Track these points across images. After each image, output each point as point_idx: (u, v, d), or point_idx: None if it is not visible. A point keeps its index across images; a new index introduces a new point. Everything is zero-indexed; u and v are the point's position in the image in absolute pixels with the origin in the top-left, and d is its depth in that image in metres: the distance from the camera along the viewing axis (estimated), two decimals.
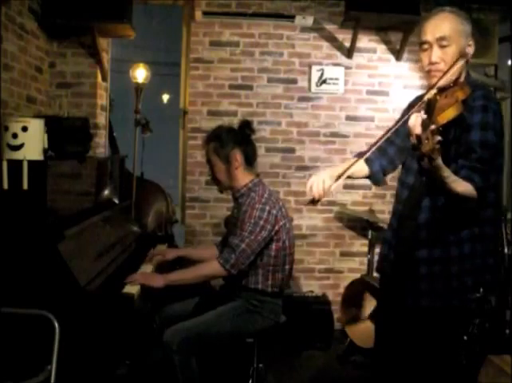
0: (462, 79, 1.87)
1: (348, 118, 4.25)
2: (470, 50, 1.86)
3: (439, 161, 1.58)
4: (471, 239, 1.85)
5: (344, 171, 1.88)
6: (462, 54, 1.79)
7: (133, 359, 2.79)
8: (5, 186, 2.23)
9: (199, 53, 4.15)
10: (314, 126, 4.24)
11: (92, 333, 2.04)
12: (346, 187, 4.22)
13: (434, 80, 1.81)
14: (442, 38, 1.82)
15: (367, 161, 2.07)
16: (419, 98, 1.93)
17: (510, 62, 4.75)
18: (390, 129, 1.85)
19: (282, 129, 4.22)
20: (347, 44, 4.17)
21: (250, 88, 4.18)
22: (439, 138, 1.48)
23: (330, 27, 4.19)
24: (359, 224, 4.23)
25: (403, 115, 1.99)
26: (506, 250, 2.76)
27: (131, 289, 2.36)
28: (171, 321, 2.49)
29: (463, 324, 1.88)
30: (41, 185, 2.27)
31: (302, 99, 4.22)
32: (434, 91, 1.75)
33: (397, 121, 1.89)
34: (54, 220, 2.27)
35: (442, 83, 1.78)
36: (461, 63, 1.80)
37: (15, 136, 2.34)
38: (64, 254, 2.12)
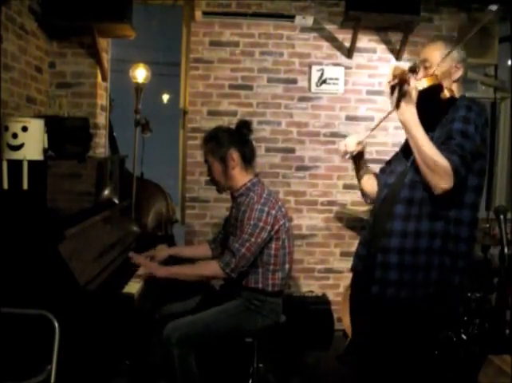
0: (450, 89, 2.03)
1: (348, 118, 4.25)
2: (457, 72, 2.04)
3: (414, 110, 1.81)
4: (444, 236, 1.91)
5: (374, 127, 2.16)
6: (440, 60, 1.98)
7: (133, 359, 2.79)
8: (5, 186, 2.23)
9: (199, 53, 4.15)
10: (314, 126, 4.25)
11: (92, 333, 2.05)
12: (346, 187, 4.23)
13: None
14: (424, 60, 2.04)
15: (376, 177, 2.26)
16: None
17: (510, 62, 4.75)
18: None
19: (282, 129, 4.23)
20: (347, 44, 4.17)
21: (250, 88, 4.19)
22: (404, 69, 1.78)
23: (330, 27, 4.19)
24: (359, 224, 4.23)
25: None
26: (506, 250, 2.75)
27: (132, 289, 2.37)
28: (171, 320, 2.49)
29: (428, 318, 1.94)
30: (41, 185, 2.27)
31: (302, 99, 4.22)
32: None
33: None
34: (54, 220, 2.27)
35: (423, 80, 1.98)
36: (442, 70, 1.98)
37: (15, 136, 2.34)
38: (64, 254, 2.13)
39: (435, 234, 1.91)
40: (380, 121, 2.18)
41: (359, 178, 2.34)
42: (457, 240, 1.93)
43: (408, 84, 1.79)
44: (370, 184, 2.28)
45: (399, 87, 1.80)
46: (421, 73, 2.03)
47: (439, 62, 1.98)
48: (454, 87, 2.03)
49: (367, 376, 2.13)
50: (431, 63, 2.02)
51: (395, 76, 1.79)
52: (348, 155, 2.20)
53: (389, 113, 2.00)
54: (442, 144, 1.85)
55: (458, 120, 1.89)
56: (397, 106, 1.83)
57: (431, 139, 1.88)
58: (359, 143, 2.20)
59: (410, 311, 1.93)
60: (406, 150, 2.07)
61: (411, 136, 1.84)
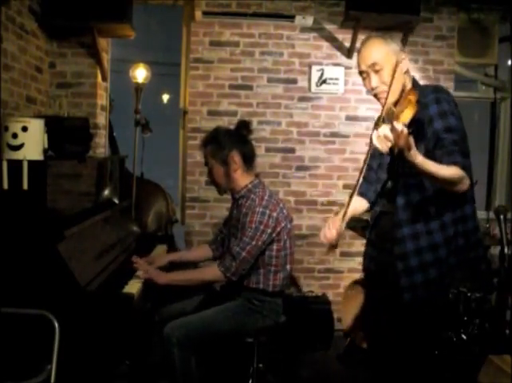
0: (408, 87, 2.00)
1: (348, 118, 4.25)
2: (405, 63, 1.98)
3: (418, 153, 1.69)
4: (454, 222, 1.96)
5: (346, 209, 1.98)
6: (395, 69, 1.91)
7: (133, 359, 2.79)
8: (5, 186, 2.23)
9: (199, 53, 4.15)
10: (314, 126, 4.24)
11: (92, 333, 2.05)
12: (346, 187, 4.23)
13: (382, 101, 1.97)
14: (373, 64, 1.96)
15: (362, 195, 2.22)
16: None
17: (510, 62, 4.75)
18: (366, 159, 1.95)
19: (282, 129, 4.22)
20: (347, 44, 4.17)
21: (250, 88, 4.18)
22: (406, 131, 1.61)
23: (330, 27, 4.19)
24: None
25: (367, 152, 2.10)
26: (506, 250, 2.75)
27: (131, 289, 2.37)
28: (171, 320, 2.49)
29: (454, 300, 2.01)
30: (41, 185, 2.27)
31: (302, 99, 4.22)
32: (387, 106, 1.89)
33: (368, 151, 1.95)
34: (54, 220, 2.27)
35: (390, 99, 1.92)
36: (399, 76, 1.93)
37: (15, 136, 2.34)
38: (64, 254, 2.12)
39: (446, 225, 1.95)
40: (355, 188, 1.98)
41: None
42: (465, 219, 1.98)
43: (410, 149, 1.65)
44: (361, 205, 2.26)
45: (402, 150, 1.67)
46: (375, 78, 1.97)
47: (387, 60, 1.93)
48: (407, 79, 2.01)
49: (384, 373, 2.14)
50: (381, 65, 1.95)
51: (396, 144, 1.64)
52: (334, 247, 1.99)
53: (363, 169, 1.94)
54: (435, 148, 1.85)
55: (435, 118, 1.88)
56: (407, 159, 1.70)
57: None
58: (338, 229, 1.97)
59: (443, 301, 2.01)
60: (387, 156, 2.07)
61: (424, 171, 1.74)
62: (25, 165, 2.25)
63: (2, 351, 2.00)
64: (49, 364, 1.99)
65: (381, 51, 1.96)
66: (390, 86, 1.90)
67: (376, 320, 2.18)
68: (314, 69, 4.19)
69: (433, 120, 1.88)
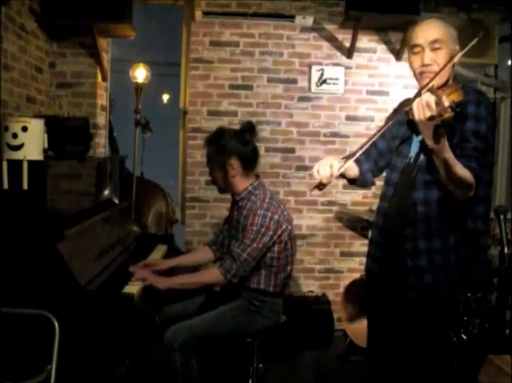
0: (450, 81, 1.95)
1: (348, 118, 4.25)
2: (458, 56, 1.90)
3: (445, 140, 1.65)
4: (465, 233, 1.91)
5: (351, 156, 1.97)
6: (452, 57, 1.85)
7: (133, 359, 2.79)
8: (6, 186, 2.23)
9: (199, 53, 4.15)
10: (314, 126, 4.24)
11: (92, 333, 2.05)
12: (346, 187, 4.23)
13: (426, 81, 1.87)
14: (435, 41, 1.89)
15: (356, 163, 2.18)
16: (404, 104, 1.97)
17: (510, 62, 4.75)
18: (382, 128, 1.92)
19: (282, 129, 4.22)
20: (347, 44, 4.17)
21: (250, 88, 4.18)
22: (454, 106, 1.57)
23: (330, 27, 4.19)
24: (359, 224, 4.24)
25: (388, 119, 2.03)
26: (505, 250, 2.75)
27: (131, 289, 2.36)
28: (172, 321, 2.49)
29: (459, 313, 2.06)
30: (41, 185, 2.27)
31: (302, 99, 4.22)
32: (430, 86, 1.81)
33: (381, 127, 1.93)
34: (54, 220, 2.27)
35: (435, 83, 1.84)
36: (450, 64, 1.87)
37: (15, 136, 2.34)
38: (64, 254, 2.13)
39: (458, 230, 1.90)
40: (364, 144, 1.97)
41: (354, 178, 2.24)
42: (477, 234, 1.93)
43: (450, 123, 1.63)
44: (354, 169, 2.22)
45: (441, 125, 1.63)
46: (430, 55, 1.89)
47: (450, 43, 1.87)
48: (452, 73, 1.95)
49: (383, 374, 2.12)
50: (441, 44, 1.88)
51: (440, 115, 1.59)
52: (321, 187, 2.05)
53: (374, 136, 1.91)
54: (457, 147, 1.79)
55: (470, 118, 1.82)
56: (437, 141, 1.67)
57: None
58: (331, 175, 2.01)
59: (447, 308, 1.96)
60: (405, 143, 2.04)
61: (441, 159, 1.72)
62: (25, 165, 2.25)
63: (2, 351, 2.00)
64: (49, 364, 1.99)
65: (445, 32, 1.91)
66: (442, 69, 1.84)
67: (378, 321, 2.17)
68: (314, 69, 4.19)
69: (466, 119, 1.82)
